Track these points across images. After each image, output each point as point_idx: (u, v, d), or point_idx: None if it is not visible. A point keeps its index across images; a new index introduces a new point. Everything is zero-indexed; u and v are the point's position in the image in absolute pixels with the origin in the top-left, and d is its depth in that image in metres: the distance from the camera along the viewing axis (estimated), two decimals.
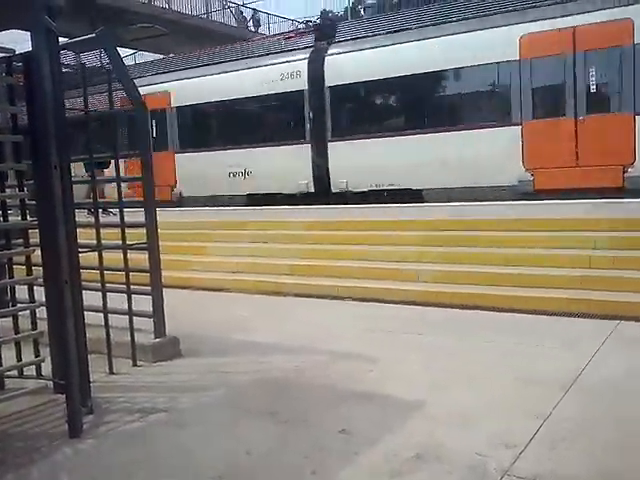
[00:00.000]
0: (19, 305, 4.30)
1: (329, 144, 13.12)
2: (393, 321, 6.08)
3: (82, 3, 18.88)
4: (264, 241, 9.08)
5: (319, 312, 6.66)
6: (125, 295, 4.96)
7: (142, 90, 13.74)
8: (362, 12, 48.31)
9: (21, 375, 4.32)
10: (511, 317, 5.99)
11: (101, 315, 4.76)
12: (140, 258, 5.19)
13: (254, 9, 30.16)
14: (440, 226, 8.20)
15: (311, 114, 13.27)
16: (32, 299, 4.24)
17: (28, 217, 4.27)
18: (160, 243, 5.15)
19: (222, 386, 4.44)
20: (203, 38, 23.06)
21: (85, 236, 4.83)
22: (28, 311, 4.27)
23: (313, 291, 7.37)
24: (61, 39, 3.96)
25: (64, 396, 3.70)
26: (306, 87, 13.24)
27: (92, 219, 4.95)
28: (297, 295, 7.41)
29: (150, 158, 5.12)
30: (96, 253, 4.79)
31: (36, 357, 4.21)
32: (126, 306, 4.95)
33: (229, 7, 29.37)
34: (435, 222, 8.33)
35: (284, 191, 13.45)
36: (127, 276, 4.96)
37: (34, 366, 4.25)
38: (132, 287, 4.99)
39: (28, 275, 4.22)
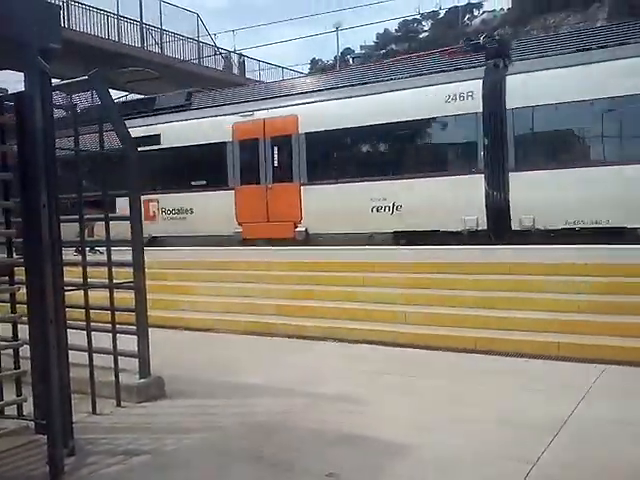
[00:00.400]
0: (2, 343, 4.23)
1: (511, 174, 11.33)
2: (381, 363, 6.04)
3: (76, 46, 19.24)
4: (251, 281, 9.07)
5: (307, 353, 6.61)
6: (110, 334, 4.91)
7: (262, 114, 13.86)
8: (350, 61, 49.63)
9: (2, 415, 4.22)
10: (499, 360, 5.98)
11: (85, 354, 4.69)
12: (128, 297, 5.16)
13: (245, 56, 30.87)
14: (424, 269, 8.24)
15: (485, 140, 11.62)
16: (16, 337, 4.18)
17: (14, 254, 4.25)
18: (148, 282, 5.14)
19: (207, 429, 4.37)
20: (194, 82, 23.43)
21: (72, 274, 4.80)
22: (11, 349, 4.21)
23: (300, 332, 7.33)
24: (54, 80, 4.03)
25: (45, 437, 3.62)
26: (480, 109, 11.61)
27: (80, 257, 4.92)
28: (285, 335, 7.36)
29: (138, 197, 5.13)
30: (82, 291, 4.75)
31: (18, 396, 4.13)
32: (111, 345, 4.89)
33: (220, 53, 30.00)
34: (420, 265, 8.39)
35: (445, 228, 11.81)
36: (112, 315, 4.93)
37: (15, 406, 4.16)
38: (118, 326, 4.94)
39: (12, 313, 4.17)
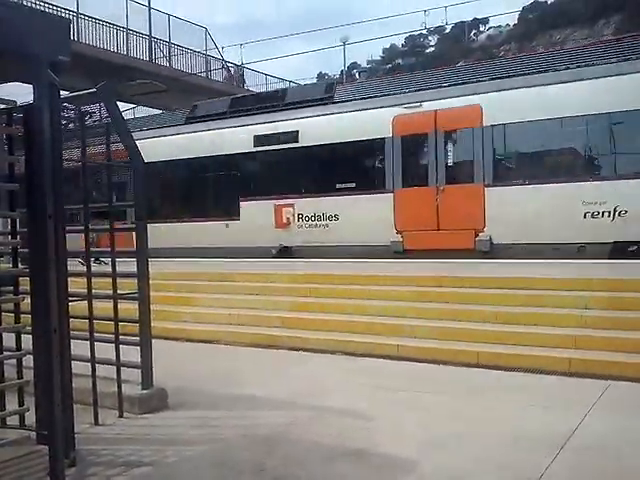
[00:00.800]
0: (5, 353, 4.25)
1: None
2: (386, 377, 6.02)
3: (85, 59, 19.43)
4: (255, 293, 9.07)
5: (311, 366, 6.59)
6: (113, 345, 4.91)
7: (433, 105, 12.48)
8: (357, 75, 49.93)
9: (4, 425, 4.22)
10: (504, 375, 5.94)
11: (88, 365, 4.70)
12: (131, 307, 5.17)
13: (249, 68, 31.09)
14: (432, 282, 8.23)
15: None
16: (19, 347, 4.19)
17: (19, 265, 4.27)
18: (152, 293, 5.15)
19: (209, 440, 4.35)
20: (201, 95, 23.62)
21: (76, 284, 4.82)
22: (14, 359, 4.21)
23: (305, 344, 7.32)
24: (62, 92, 4.07)
25: (47, 447, 3.62)
26: None
27: (84, 268, 4.95)
28: (289, 348, 7.35)
29: (144, 209, 5.16)
30: (86, 301, 4.77)
31: (20, 406, 4.13)
32: (114, 356, 4.89)
33: (228, 67, 30.23)
34: (427, 278, 8.37)
35: None
36: (116, 326, 4.93)
37: (17, 416, 4.16)
38: (121, 337, 4.95)
39: (16, 323, 4.18)
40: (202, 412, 5.01)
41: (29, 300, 3.89)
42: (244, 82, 30.72)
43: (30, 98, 3.76)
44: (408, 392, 5.45)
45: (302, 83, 33.07)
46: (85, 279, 4.85)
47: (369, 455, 3.97)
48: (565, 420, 4.50)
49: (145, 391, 5.00)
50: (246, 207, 14.36)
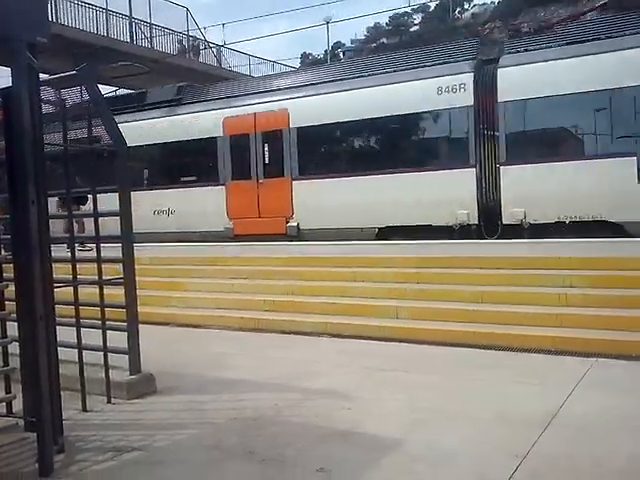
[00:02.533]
0: None
1: None
2: (372, 358, 6.06)
3: (64, 40, 19.09)
4: (244, 277, 9.06)
5: (298, 349, 6.62)
6: (100, 331, 4.89)
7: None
8: (342, 55, 49.58)
9: None
10: (489, 354, 6.01)
11: (75, 351, 4.68)
12: (118, 293, 5.14)
13: (234, 49, 30.73)
14: (417, 264, 8.27)
15: None
16: (4, 334, 4.17)
17: (3, 251, 4.23)
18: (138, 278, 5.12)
19: (198, 424, 4.37)
20: (184, 77, 23.34)
21: (61, 270, 4.77)
22: (0, 346, 4.19)
23: (292, 327, 7.34)
24: (42, 75, 4.00)
25: (35, 434, 3.61)
26: None
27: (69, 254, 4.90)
28: (277, 331, 7.37)
29: (128, 193, 5.11)
30: (71, 287, 4.73)
31: (7, 394, 4.11)
32: (101, 342, 4.87)
33: (210, 47, 29.86)
34: (412, 259, 8.41)
35: None
36: (102, 311, 4.91)
37: (4, 403, 4.15)
38: (108, 323, 4.92)
39: (1, 310, 4.15)
40: (191, 396, 5.01)
41: (14, 287, 3.86)
42: (220, 63, 30.07)
43: (9, 82, 3.69)
44: (395, 372, 5.50)
45: (286, 63, 32.85)
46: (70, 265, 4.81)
47: (357, 435, 4.00)
48: (550, 398, 4.56)
49: (133, 376, 4.99)
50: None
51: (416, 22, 58.26)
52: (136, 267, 5.10)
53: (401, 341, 6.58)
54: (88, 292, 5.11)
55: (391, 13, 52.87)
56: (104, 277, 4.95)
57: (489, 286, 7.41)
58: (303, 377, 5.38)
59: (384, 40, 55.23)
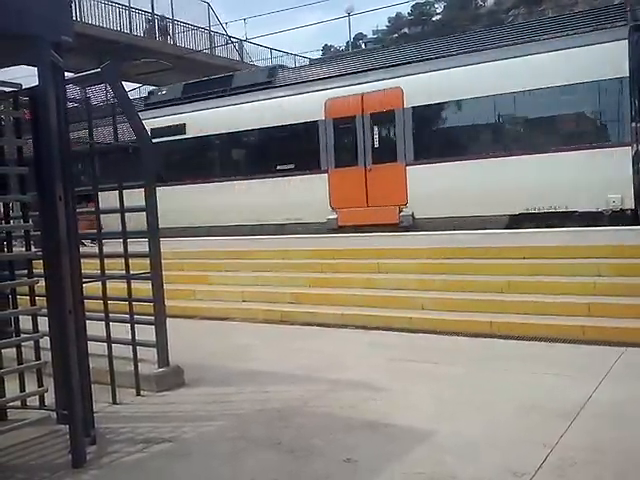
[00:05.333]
0: (23, 335, 4.31)
1: None
2: (398, 349, 6.06)
3: (88, 39, 19.30)
4: (268, 270, 9.11)
5: (323, 341, 6.63)
6: (129, 325, 4.97)
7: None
8: (363, 46, 49.34)
9: (24, 406, 4.30)
10: (516, 344, 5.96)
11: (104, 345, 4.76)
12: (146, 288, 5.21)
13: (255, 43, 30.72)
14: (443, 254, 8.21)
15: None
16: (36, 329, 4.25)
17: (32, 248, 4.31)
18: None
19: (226, 416, 4.42)
20: (207, 72, 23.44)
21: (89, 265, 4.85)
22: (32, 341, 4.27)
23: (318, 319, 7.36)
24: (67, 73, 4.05)
25: (67, 427, 3.69)
26: None
27: (96, 249, 4.97)
28: (302, 323, 7.40)
29: (154, 189, 5.16)
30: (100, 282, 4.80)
31: (39, 387, 4.20)
32: (129, 336, 4.95)
33: (232, 42, 29.91)
34: (437, 250, 8.35)
35: None
36: (130, 306, 4.98)
37: (37, 396, 4.24)
38: (136, 317, 4.99)
39: (32, 305, 4.23)
40: (218, 388, 5.07)
41: (44, 283, 3.93)
42: (242, 57, 29.85)
43: (34, 81, 3.75)
44: (421, 363, 5.48)
45: (308, 56, 32.77)
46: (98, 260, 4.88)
47: (383, 426, 4.01)
48: (580, 387, 4.51)
49: (161, 369, 5.06)
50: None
51: (438, 11, 57.67)
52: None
53: (427, 332, 6.56)
54: (115, 287, 5.17)
55: (413, 2, 52.35)
56: (131, 272, 5.02)
57: (516, 276, 7.33)
58: (328, 369, 5.39)
59: (406, 30, 54.79)
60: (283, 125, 13.52)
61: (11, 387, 4.26)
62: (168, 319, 5.19)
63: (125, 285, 5.02)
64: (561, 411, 4.07)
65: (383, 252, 8.71)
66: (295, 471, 3.44)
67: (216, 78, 16.04)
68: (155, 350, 5.05)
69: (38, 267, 4.09)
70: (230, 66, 26.48)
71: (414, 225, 12.03)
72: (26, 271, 4.30)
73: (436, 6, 58.01)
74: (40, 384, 4.25)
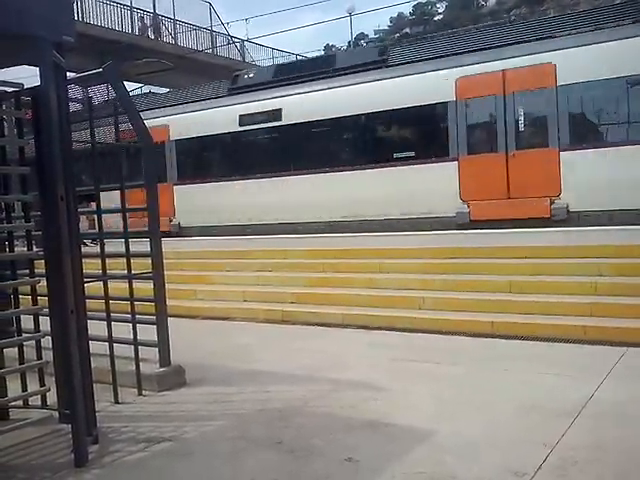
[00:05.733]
0: (24, 335, 4.31)
1: None
2: (399, 349, 6.06)
3: (90, 38, 19.33)
4: (269, 269, 9.11)
5: (324, 341, 6.64)
6: (130, 324, 4.97)
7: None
8: (364, 45, 49.19)
9: (26, 405, 4.31)
10: (518, 344, 5.96)
11: (106, 344, 4.77)
12: (147, 287, 5.21)
13: (256, 43, 30.74)
14: (443, 254, 8.21)
15: None
16: (37, 329, 4.25)
17: (34, 247, 4.31)
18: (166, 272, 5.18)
19: (227, 416, 4.42)
20: (208, 72, 23.48)
21: (91, 265, 4.86)
22: (33, 341, 4.28)
23: (320, 319, 7.37)
24: (69, 73, 4.06)
25: (69, 426, 3.69)
26: None
27: (97, 249, 4.98)
28: (303, 323, 7.40)
29: (155, 189, 5.17)
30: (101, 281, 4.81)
31: (41, 387, 4.20)
32: (131, 335, 4.95)
33: (234, 42, 29.93)
34: (437, 250, 8.36)
35: None
36: (132, 305, 4.99)
37: (39, 396, 4.24)
38: (137, 316, 5.00)
39: (34, 305, 4.24)
40: (219, 388, 5.07)
41: (45, 282, 3.94)
42: (244, 57, 29.84)
43: (36, 81, 3.75)
44: (422, 363, 5.48)
45: (309, 56, 32.72)
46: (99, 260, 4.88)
47: (384, 425, 4.01)
48: (581, 387, 4.51)
49: (163, 369, 5.07)
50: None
51: (440, 11, 57.63)
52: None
53: (429, 332, 6.56)
54: (117, 286, 5.18)
55: (414, 2, 52.33)
56: (133, 272, 5.02)
57: (518, 276, 7.33)
58: (330, 369, 5.40)
59: (407, 30, 54.77)
60: (400, 108, 11.96)
61: (13, 387, 4.27)
62: (169, 319, 5.19)
63: (126, 285, 5.02)
64: (562, 411, 4.07)
65: (385, 252, 8.71)
66: (295, 471, 3.44)
67: (315, 58, 15.51)
68: (157, 350, 5.06)
69: (40, 267, 4.11)
70: (231, 66, 26.50)
71: (568, 219, 10.47)
72: (28, 271, 4.31)
73: (438, 6, 57.98)
74: (42, 384, 4.25)
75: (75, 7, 20.39)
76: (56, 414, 4.14)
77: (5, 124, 4.44)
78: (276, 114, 13.37)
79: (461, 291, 7.34)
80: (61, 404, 4.07)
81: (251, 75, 14.96)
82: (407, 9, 56.79)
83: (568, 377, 4.86)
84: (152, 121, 13.78)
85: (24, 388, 4.30)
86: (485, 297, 7.03)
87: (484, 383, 4.84)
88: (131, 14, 24.80)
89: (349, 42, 43.27)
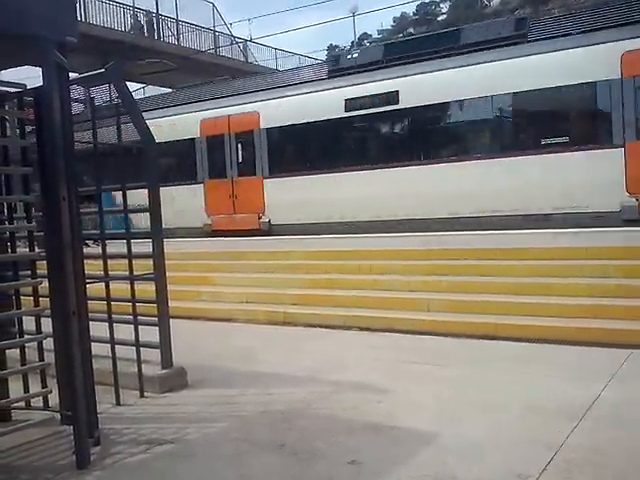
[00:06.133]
0: (26, 336, 4.30)
1: None
2: (402, 351, 6.03)
3: (93, 39, 19.34)
4: (271, 271, 9.09)
5: (327, 342, 6.62)
6: (132, 326, 4.96)
7: None
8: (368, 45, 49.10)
9: (28, 407, 4.30)
10: (522, 346, 5.93)
11: (108, 346, 4.75)
12: (149, 288, 5.20)
13: (259, 43, 30.73)
14: (447, 255, 8.18)
15: None
16: (39, 330, 4.24)
17: (36, 248, 4.30)
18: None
19: (229, 417, 4.40)
20: (211, 73, 23.45)
21: (93, 266, 4.85)
22: (35, 342, 4.27)
23: (321, 321, 7.35)
24: (71, 74, 4.05)
25: (71, 428, 3.68)
26: None
27: (99, 249, 4.96)
28: (305, 325, 7.39)
29: (157, 190, 5.15)
30: (103, 283, 4.80)
31: (43, 388, 4.20)
32: (133, 337, 4.94)
33: (237, 43, 29.94)
34: (442, 251, 8.33)
35: None
36: (134, 307, 4.97)
37: (41, 397, 4.23)
38: (139, 318, 4.99)
39: (35, 306, 4.23)
40: (221, 390, 5.06)
41: (47, 283, 3.93)
42: (247, 57, 29.78)
43: (39, 81, 3.74)
44: (425, 365, 5.46)
45: (312, 56, 32.72)
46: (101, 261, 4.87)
47: (387, 428, 3.99)
48: (585, 390, 4.48)
49: (165, 370, 5.06)
50: None
51: (443, 11, 57.58)
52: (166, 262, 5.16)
53: (432, 334, 6.54)
54: (119, 288, 5.17)
55: (418, 2, 52.30)
56: (135, 273, 5.01)
57: (522, 277, 7.31)
58: (332, 370, 5.38)
59: (411, 30, 54.72)
60: (547, 88, 10.58)
61: (15, 388, 4.25)
62: (171, 320, 5.18)
63: (128, 286, 5.01)
64: (567, 413, 4.04)
65: (387, 253, 8.68)
66: (299, 474, 3.42)
67: (433, 35, 13.60)
68: (158, 351, 5.05)
69: (42, 268, 4.09)
70: (235, 66, 26.53)
71: None
72: (29, 272, 4.31)
73: (441, 6, 57.93)
74: (44, 385, 4.25)
75: (78, 7, 20.40)
76: (58, 416, 4.13)
77: (8, 124, 4.43)
78: (391, 97, 12.05)
79: (465, 293, 7.31)
80: (63, 406, 4.06)
81: (355, 55, 13.60)
82: (411, 9, 56.79)
83: (573, 379, 4.84)
84: (238, 108, 13.65)
85: (26, 389, 4.29)
86: (488, 299, 7.00)
87: (487, 385, 4.81)
88: (134, 14, 24.80)
89: (352, 42, 43.27)
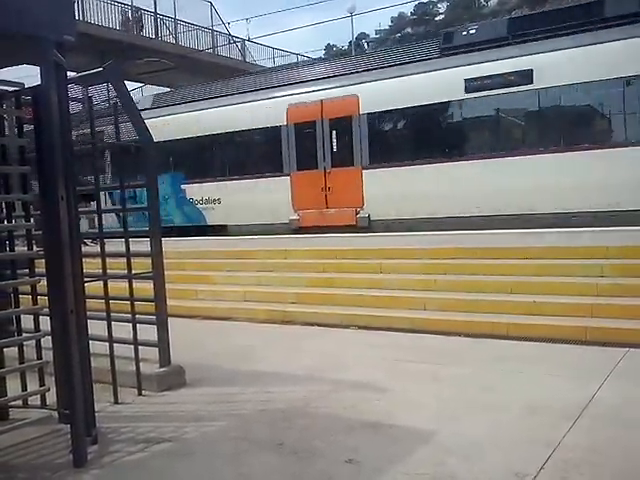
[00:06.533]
0: (24, 335, 4.30)
1: None
2: (400, 350, 6.04)
3: (91, 38, 19.32)
4: (270, 270, 9.09)
5: (326, 341, 6.62)
6: (130, 324, 4.95)
7: None
8: (366, 46, 49.24)
9: (26, 405, 4.30)
10: (519, 345, 5.94)
11: (106, 344, 4.75)
12: (148, 287, 5.20)
13: (258, 43, 30.71)
14: (444, 254, 8.19)
15: None
16: (37, 328, 4.24)
17: (34, 247, 4.30)
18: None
19: (228, 416, 4.40)
20: (209, 72, 23.44)
21: (91, 265, 4.84)
22: (33, 340, 4.26)
23: (321, 319, 7.35)
24: (69, 73, 4.05)
25: (68, 426, 3.68)
26: None
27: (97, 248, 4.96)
28: (304, 323, 7.39)
29: (156, 188, 5.15)
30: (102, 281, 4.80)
31: (41, 387, 4.19)
32: (131, 335, 4.94)
33: (235, 42, 29.91)
34: (439, 250, 8.33)
35: None
36: (132, 305, 4.97)
37: (39, 396, 4.23)
38: (137, 316, 4.98)
39: (34, 305, 4.23)
40: (220, 388, 5.06)
41: (45, 282, 3.92)
42: (244, 56, 29.72)
43: (37, 80, 3.74)
44: (424, 364, 5.46)
45: (311, 56, 32.72)
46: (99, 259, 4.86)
47: (386, 426, 3.99)
48: (582, 389, 4.49)
49: (163, 369, 5.05)
50: None
51: (441, 11, 57.63)
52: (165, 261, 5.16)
53: (430, 333, 6.55)
54: (117, 286, 5.16)
55: (416, 2, 52.31)
56: (133, 271, 5.01)
57: (519, 276, 7.32)
58: (331, 369, 5.38)
59: (409, 30, 54.77)
60: None
61: (13, 386, 4.25)
62: (170, 318, 5.17)
63: (127, 284, 5.00)
64: (564, 412, 4.05)
65: (386, 252, 8.69)
66: (298, 472, 3.42)
67: (572, 7, 11.69)
68: (157, 350, 5.04)
69: (40, 266, 4.09)
70: (233, 66, 26.52)
71: None
72: (28, 270, 4.30)
73: (439, 6, 57.99)
74: (42, 383, 4.24)
75: (76, 6, 20.37)
76: (55, 414, 4.13)
77: (6, 123, 4.42)
78: (522, 76, 10.62)
79: (463, 292, 7.32)
80: (61, 404, 4.06)
81: (472, 31, 12.06)
82: (408, 9, 56.83)
83: (570, 378, 4.85)
84: (333, 91, 12.70)
85: (24, 388, 4.28)
86: (487, 298, 7.01)
87: (486, 384, 4.82)
88: (132, 13, 24.75)
89: (350, 42, 43.26)
